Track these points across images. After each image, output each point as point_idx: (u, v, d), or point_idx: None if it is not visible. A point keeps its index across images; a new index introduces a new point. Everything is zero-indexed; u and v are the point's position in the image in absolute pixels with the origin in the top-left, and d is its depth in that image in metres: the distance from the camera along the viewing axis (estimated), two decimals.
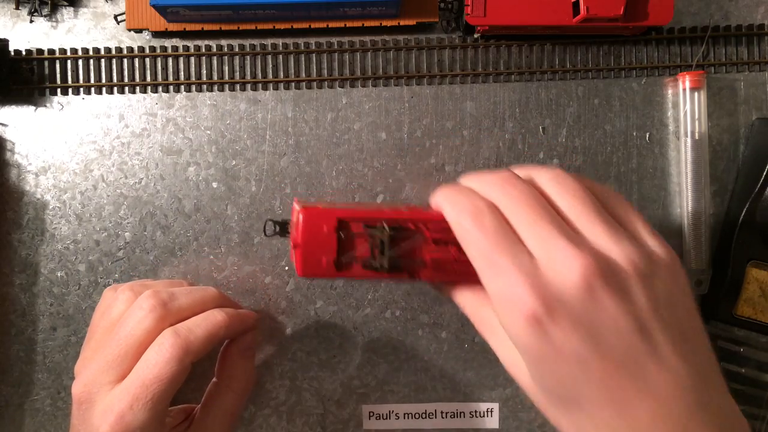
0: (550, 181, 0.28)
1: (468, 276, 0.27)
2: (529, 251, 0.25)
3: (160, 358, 0.31)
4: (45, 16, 0.42)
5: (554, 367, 0.24)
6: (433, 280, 0.30)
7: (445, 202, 0.28)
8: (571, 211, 0.27)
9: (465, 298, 0.30)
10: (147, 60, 0.42)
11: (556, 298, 0.24)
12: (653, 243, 0.26)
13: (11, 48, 0.41)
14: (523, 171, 0.29)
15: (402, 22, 0.41)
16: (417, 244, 0.29)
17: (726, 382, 0.26)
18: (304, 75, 0.42)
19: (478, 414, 0.42)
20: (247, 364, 0.38)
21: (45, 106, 0.42)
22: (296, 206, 0.30)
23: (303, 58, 0.42)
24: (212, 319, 0.34)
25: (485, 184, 0.28)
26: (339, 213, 0.29)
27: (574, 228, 0.26)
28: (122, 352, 0.32)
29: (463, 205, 0.27)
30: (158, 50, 0.42)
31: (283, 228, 0.31)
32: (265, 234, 0.31)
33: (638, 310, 0.24)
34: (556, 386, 0.25)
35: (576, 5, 0.39)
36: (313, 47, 0.42)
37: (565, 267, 0.24)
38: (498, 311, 0.25)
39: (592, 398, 0.24)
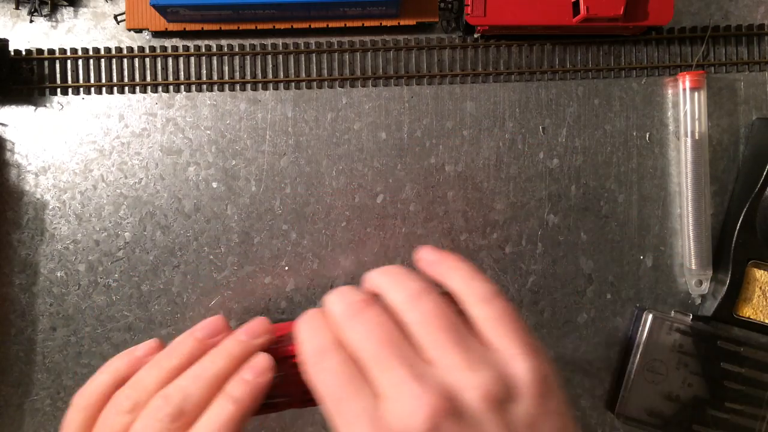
0: (406, 303, 0.27)
1: None
2: (376, 392, 0.24)
3: None
4: (45, 16, 0.42)
5: None
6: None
7: (299, 335, 0.28)
8: (426, 338, 0.26)
9: None
10: (147, 60, 0.42)
11: None
12: (520, 361, 0.25)
13: (11, 48, 0.41)
14: (389, 282, 0.29)
15: (402, 22, 0.41)
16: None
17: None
18: (304, 75, 0.42)
19: None
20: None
21: (45, 106, 0.42)
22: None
23: (303, 58, 0.42)
24: (223, 414, 0.28)
25: (338, 314, 0.28)
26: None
27: (426, 359, 0.25)
28: None
29: (311, 345, 0.27)
30: (158, 50, 0.42)
31: None
32: None
33: None
34: None
35: (576, 5, 0.39)
36: (313, 47, 0.42)
37: (409, 408, 0.23)
38: None
39: None
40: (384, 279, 0.29)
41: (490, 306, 0.27)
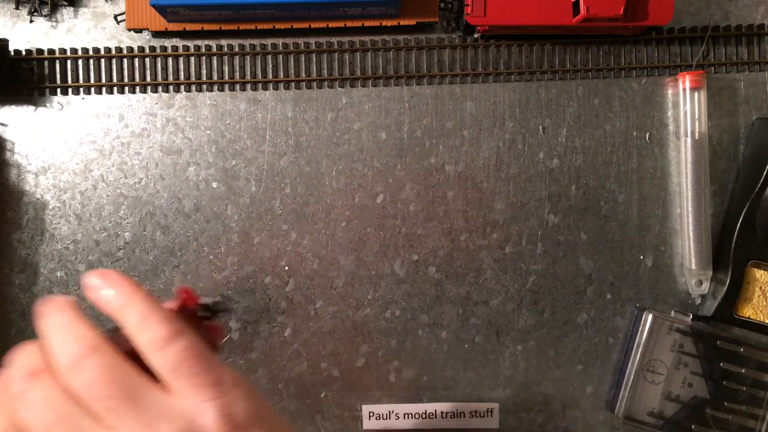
0: (70, 368, 0.24)
1: None
2: None
3: None
4: (45, 16, 0.42)
5: None
6: None
7: None
8: (97, 406, 0.23)
9: None
10: (147, 60, 0.42)
11: None
12: (206, 408, 0.24)
13: (11, 48, 0.41)
14: (55, 341, 0.25)
15: (402, 22, 0.41)
16: None
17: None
18: (304, 75, 0.42)
19: (478, 414, 0.42)
20: None
21: (45, 106, 0.42)
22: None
23: (303, 58, 0.42)
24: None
25: (6, 393, 0.25)
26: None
27: (105, 426, 0.23)
28: None
29: None
30: (158, 50, 0.42)
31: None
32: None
33: None
34: None
35: (576, 5, 0.39)
36: (313, 47, 0.42)
37: None
38: None
39: None
40: (49, 333, 0.26)
41: (165, 353, 0.25)
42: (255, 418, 0.24)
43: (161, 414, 0.23)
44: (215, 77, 0.42)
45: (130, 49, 0.42)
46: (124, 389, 0.24)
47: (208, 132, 0.42)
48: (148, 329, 0.25)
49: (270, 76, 0.42)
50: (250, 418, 0.24)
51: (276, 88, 0.42)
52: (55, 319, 0.26)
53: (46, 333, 0.26)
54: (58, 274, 0.41)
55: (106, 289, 0.26)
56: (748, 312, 0.41)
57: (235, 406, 0.24)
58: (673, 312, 0.42)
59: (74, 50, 0.42)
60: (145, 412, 0.23)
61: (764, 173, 0.40)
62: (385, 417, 0.42)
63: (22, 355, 0.26)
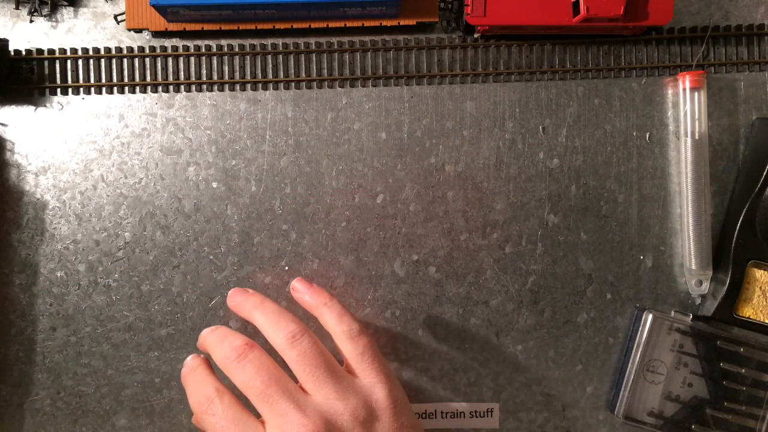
0: (285, 343, 0.33)
1: None
2: (262, 424, 0.31)
3: None
4: (45, 16, 0.42)
5: None
6: None
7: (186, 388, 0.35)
8: (303, 374, 0.32)
9: None
10: (147, 60, 0.42)
11: None
12: (379, 389, 0.33)
13: (11, 48, 0.41)
14: (269, 323, 0.34)
15: (402, 22, 0.41)
16: None
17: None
18: (304, 75, 0.42)
19: (478, 414, 0.42)
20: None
21: (45, 106, 0.42)
22: None
23: (303, 58, 0.42)
24: None
25: (223, 359, 0.33)
26: None
27: (306, 391, 0.32)
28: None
29: (196, 396, 0.33)
30: (158, 50, 0.42)
31: None
32: None
33: None
34: None
35: (576, 5, 0.39)
36: (313, 47, 0.42)
37: None
38: None
39: None
40: (264, 319, 0.35)
41: (355, 343, 0.34)
42: (405, 402, 0.34)
43: (350, 388, 0.32)
44: (215, 77, 0.42)
45: (130, 49, 0.42)
46: (327, 365, 0.33)
47: (208, 132, 0.42)
48: (346, 323, 0.35)
49: (270, 76, 0.42)
50: (403, 402, 0.34)
51: (276, 88, 0.42)
52: (269, 306, 0.36)
53: (262, 317, 0.35)
54: (58, 274, 0.41)
55: (309, 295, 0.37)
56: (748, 312, 0.41)
57: (395, 392, 0.33)
58: (673, 312, 0.42)
59: (74, 50, 0.42)
60: (339, 383, 0.32)
61: (764, 173, 0.40)
62: None
63: (233, 336, 0.34)
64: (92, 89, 0.42)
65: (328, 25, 0.41)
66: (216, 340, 0.34)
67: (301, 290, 0.38)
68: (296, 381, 0.33)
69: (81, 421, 0.41)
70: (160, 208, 0.42)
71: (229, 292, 0.39)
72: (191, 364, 0.35)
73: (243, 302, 0.37)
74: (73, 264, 0.41)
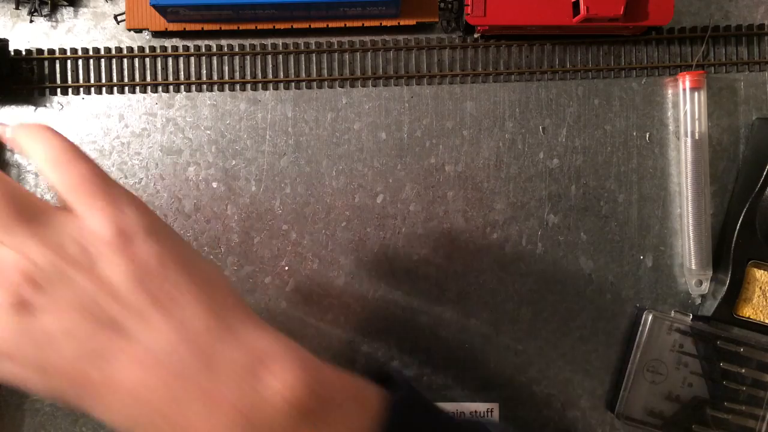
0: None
1: None
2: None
3: None
4: (45, 16, 0.42)
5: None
6: None
7: None
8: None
9: None
10: (147, 60, 0.42)
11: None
12: (96, 220, 0.25)
13: (11, 48, 0.41)
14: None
15: (402, 22, 0.41)
16: None
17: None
18: (304, 75, 0.42)
19: (478, 414, 0.42)
20: None
21: (45, 106, 0.42)
22: None
23: (303, 58, 0.42)
24: None
25: None
26: None
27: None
28: None
29: None
30: (158, 50, 0.42)
31: None
32: None
33: (109, 285, 0.24)
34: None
35: (576, 5, 0.39)
36: (313, 47, 0.42)
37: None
38: None
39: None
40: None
41: (64, 172, 0.27)
42: (146, 229, 0.26)
43: (55, 228, 0.25)
44: (215, 77, 0.42)
45: (130, 49, 0.42)
46: (16, 200, 0.25)
47: (208, 132, 0.42)
48: (50, 149, 0.27)
49: (270, 76, 0.42)
50: (140, 228, 0.25)
51: (276, 88, 0.42)
52: None
53: None
54: None
55: (14, 130, 0.28)
56: (748, 312, 0.41)
57: (126, 218, 0.26)
58: (673, 312, 0.42)
59: (74, 50, 0.42)
60: (37, 225, 0.25)
61: (764, 173, 0.40)
62: None
63: None
64: (92, 89, 0.42)
65: (328, 25, 0.41)
66: None
67: (7, 131, 0.28)
68: None
69: (81, 421, 0.41)
70: (160, 208, 0.42)
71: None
72: None
73: None
74: None
